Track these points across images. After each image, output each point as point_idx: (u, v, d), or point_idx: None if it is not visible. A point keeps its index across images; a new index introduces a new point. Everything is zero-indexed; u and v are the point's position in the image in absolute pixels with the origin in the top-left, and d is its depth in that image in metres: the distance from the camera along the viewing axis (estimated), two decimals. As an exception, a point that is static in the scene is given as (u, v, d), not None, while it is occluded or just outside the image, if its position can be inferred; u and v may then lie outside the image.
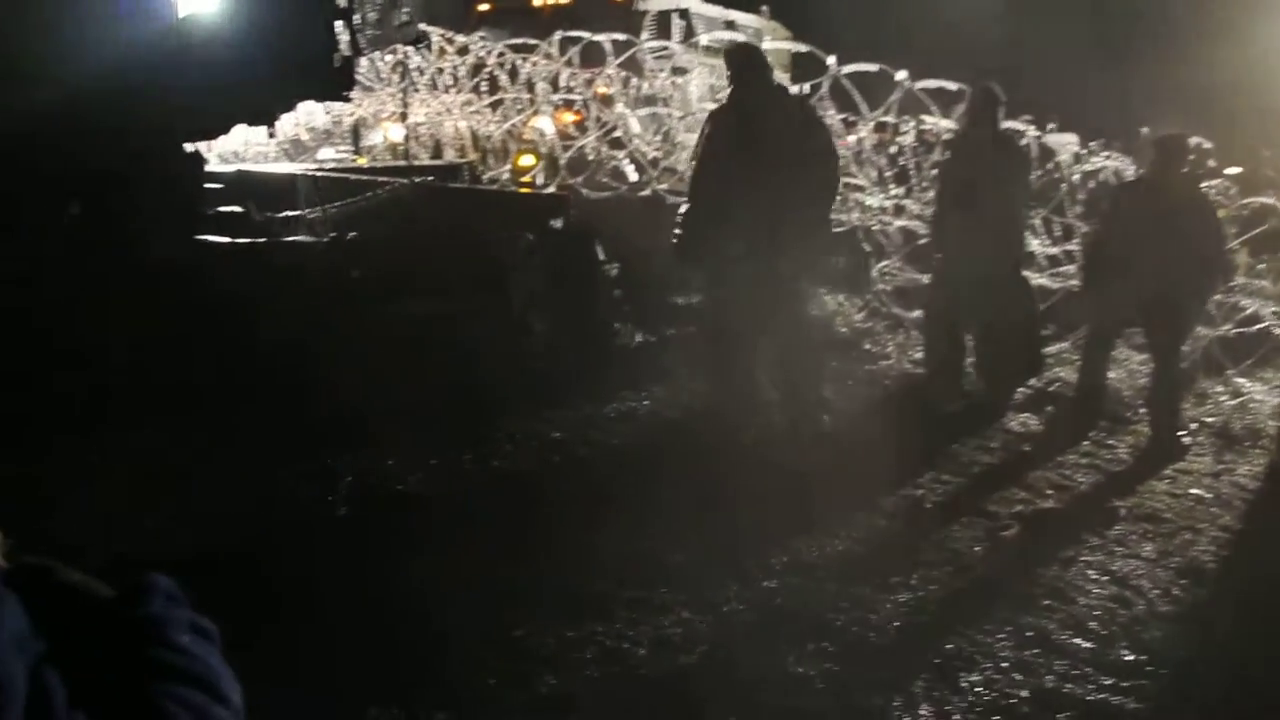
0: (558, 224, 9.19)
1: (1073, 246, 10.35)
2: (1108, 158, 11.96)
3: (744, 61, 7.03)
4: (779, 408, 7.12)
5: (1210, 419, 8.16)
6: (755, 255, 6.60)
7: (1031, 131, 10.76)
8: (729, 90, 7.07)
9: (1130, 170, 11.36)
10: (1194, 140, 8.76)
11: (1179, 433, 7.45)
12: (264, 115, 7.16)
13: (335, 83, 6.68)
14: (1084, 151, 11.74)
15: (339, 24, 6.52)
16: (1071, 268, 10.14)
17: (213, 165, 7.80)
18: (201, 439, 5.59)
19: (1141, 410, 7.99)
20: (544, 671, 4.00)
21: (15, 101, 5.70)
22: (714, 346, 7.13)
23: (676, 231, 6.94)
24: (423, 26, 10.27)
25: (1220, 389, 8.67)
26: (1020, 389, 8.27)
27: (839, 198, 10.37)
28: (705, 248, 6.87)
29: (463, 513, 5.36)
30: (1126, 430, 7.75)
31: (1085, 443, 7.38)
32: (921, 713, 3.90)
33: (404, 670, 3.90)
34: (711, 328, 7.23)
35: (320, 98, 7.26)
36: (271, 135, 7.38)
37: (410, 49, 11.98)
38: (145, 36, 6.45)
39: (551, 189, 10.74)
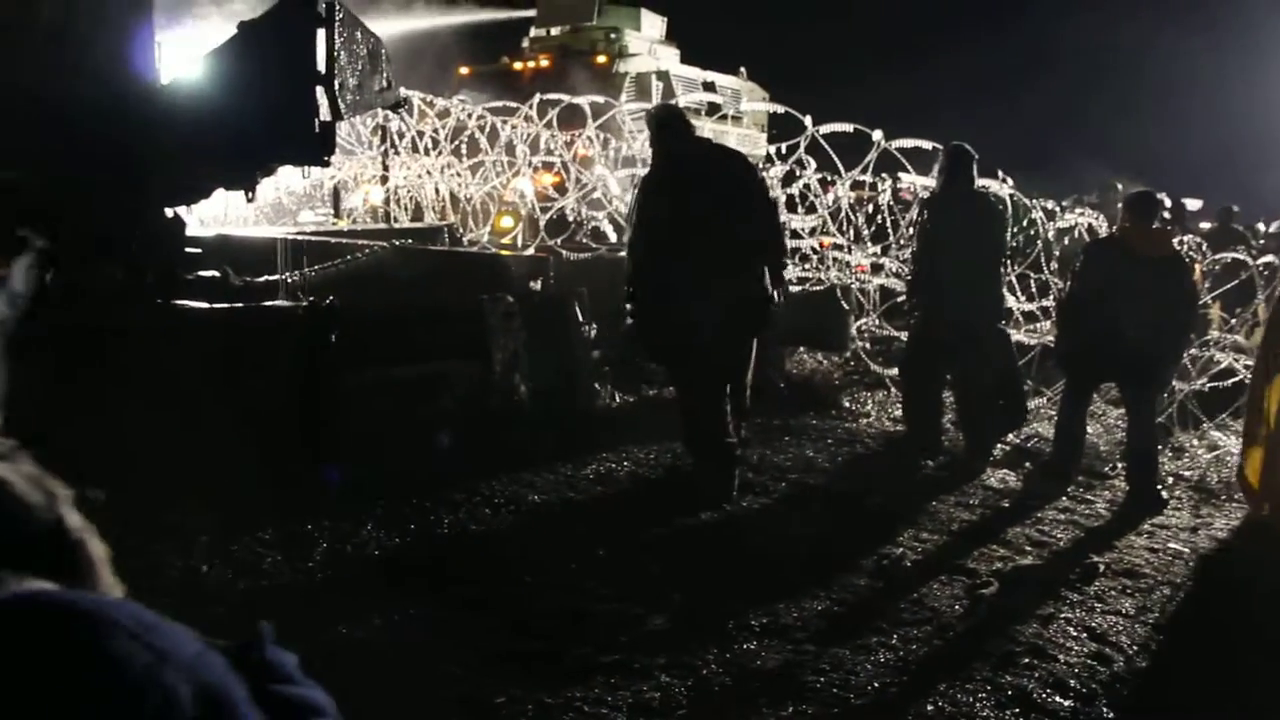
0: (538, 285, 9.25)
1: (1048, 303, 10.44)
2: (1081, 214, 12.10)
3: (665, 118, 7.15)
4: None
5: (1187, 473, 8.22)
6: (701, 310, 6.59)
7: (1006, 188, 10.89)
8: (653, 151, 7.14)
9: (1104, 226, 11.49)
10: (1163, 197, 8.85)
11: (1156, 487, 7.49)
12: (245, 180, 7.18)
13: (316, 148, 6.71)
14: (1058, 208, 11.88)
15: (319, 89, 6.56)
16: (1047, 324, 10.23)
17: (193, 229, 7.81)
18: (179, 504, 5.57)
19: (1119, 465, 8.05)
20: (523, 737, 3.98)
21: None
22: (684, 405, 7.16)
23: (628, 317, 7.00)
24: (403, 90, 10.37)
25: (1196, 443, 8.74)
26: (999, 445, 8.32)
27: (817, 256, 10.50)
28: (657, 323, 6.91)
29: (440, 576, 5.34)
30: (1104, 485, 7.79)
31: (1063, 498, 7.41)
32: (902, 774, 3.89)
33: (382, 737, 3.87)
34: (680, 390, 7.27)
35: (301, 163, 7.27)
36: (251, 199, 7.38)
37: (391, 113, 12.05)
38: (127, 99, 6.49)
39: (531, 250, 10.80)
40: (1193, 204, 13.31)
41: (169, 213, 6.96)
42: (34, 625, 0.87)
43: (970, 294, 7.89)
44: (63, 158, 6.13)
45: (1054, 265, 11.11)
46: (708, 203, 6.63)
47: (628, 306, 6.99)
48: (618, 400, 9.03)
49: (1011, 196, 10.90)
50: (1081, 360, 7.78)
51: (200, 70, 6.72)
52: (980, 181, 8.81)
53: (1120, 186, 14.47)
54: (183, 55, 7.18)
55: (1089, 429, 8.33)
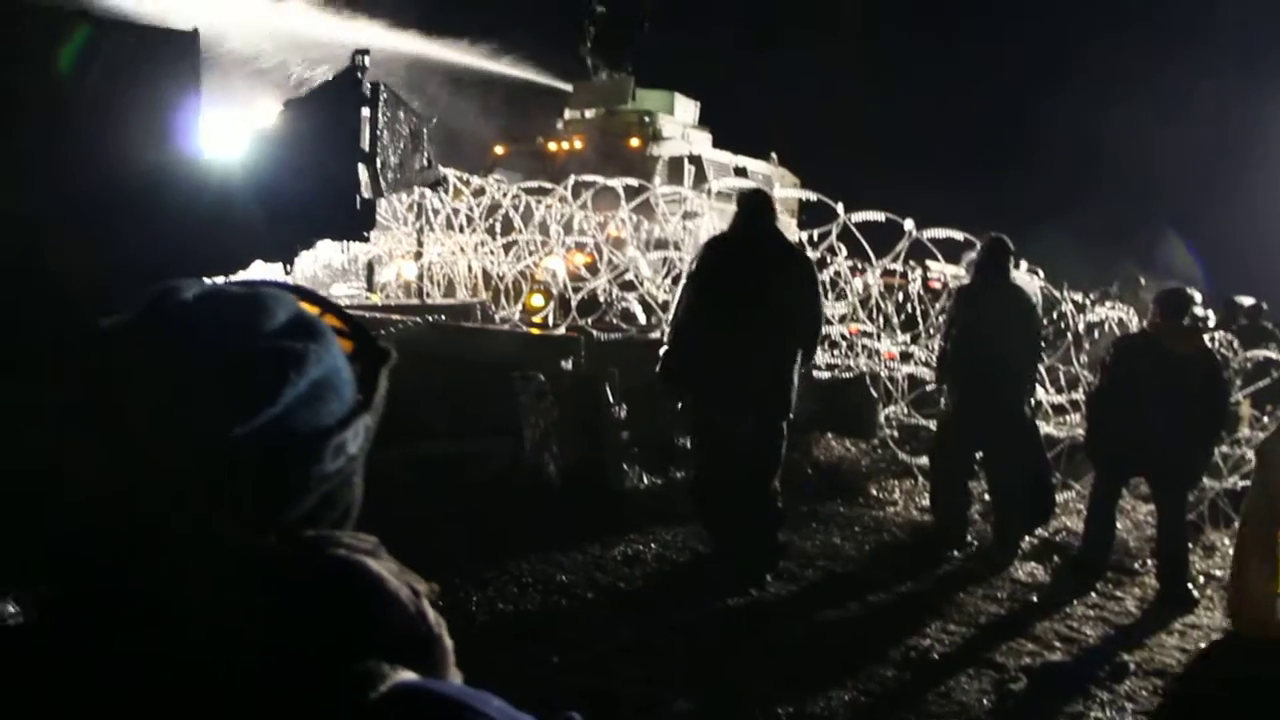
0: (568, 365, 9.28)
1: (1078, 396, 10.42)
2: (1112, 308, 12.11)
3: (756, 204, 7.27)
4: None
5: (1218, 572, 8.14)
6: (729, 393, 6.73)
7: (1037, 281, 10.92)
8: (732, 225, 7.29)
9: (1134, 321, 11.50)
10: (1194, 293, 8.86)
11: (1187, 585, 7.42)
12: (283, 253, 7.28)
13: (356, 223, 6.79)
14: (1088, 301, 11.90)
15: (362, 166, 6.66)
16: (1077, 417, 10.20)
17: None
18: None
19: (1149, 562, 7.98)
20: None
21: (17, 233, 5.82)
22: (699, 491, 7.24)
23: (662, 359, 7.10)
24: (441, 169, 10.50)
25: (1227, 541, 8.66)
26: (1027, 538, 8.27)
27: (846, 343, 10.53)
28: (684, 382, 7.04)
29: (466, 654, 5.32)
30: (1134, 582, 7.73)
31: (1093, 594, 7.35)
32: None
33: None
34: (698, 474, 7.34)
35: (340, 238, 7.36)
36: (288, 272, 7.46)
37: (429, 190, 12.20)
38: (168, 171, 6.59)
39: (562, 330, 10.85)
40: (1246, 300, 13.21)
41: (205, 282, 7.05)
42: (423, 715, 0.95)
43: (1002, 385, 7.90)
44: (103, 228, 6.23)
45: (1083, 358, 11.11)
46: (760, 282, 6.79)
47: (662, 352, 7.11)
48: (646, 481, 9.02)
49: (1042, 289, 10.93)
50: (1111, 455, 7.75)
51: (245, 145, 6.84)
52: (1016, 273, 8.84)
53: (1142, 280, 14.48)
54: (228, 129, 7.31)
55: (1119, 524, 8.27)
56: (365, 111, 6.69)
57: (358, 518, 1.14)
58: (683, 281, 7.30)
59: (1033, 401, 8.61)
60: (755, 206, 7.25)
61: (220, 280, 1.14)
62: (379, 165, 6.73)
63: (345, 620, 0.94)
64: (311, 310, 1.10)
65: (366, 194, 6.78)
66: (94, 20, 6.67)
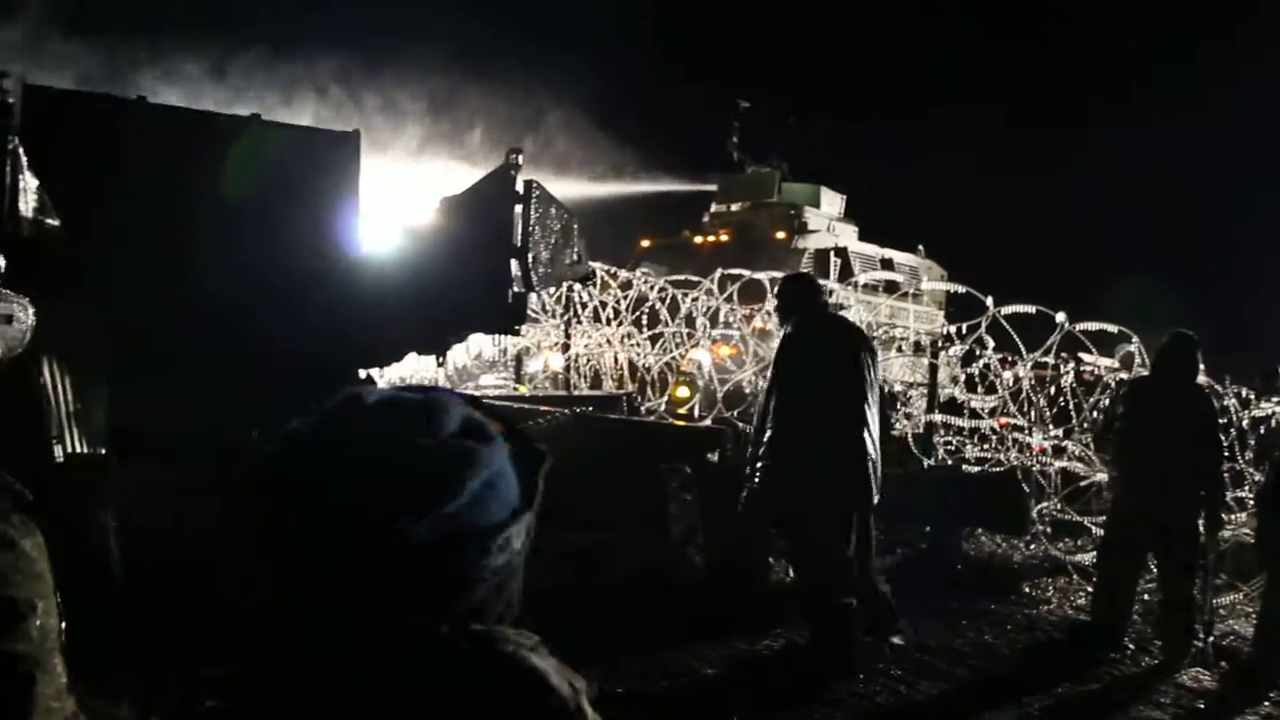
0: (714, 457, 9.28)
1: (1244, 493, 10.06)
2: (1278, 402, 11.68)
3: (805, 290, 7.53)
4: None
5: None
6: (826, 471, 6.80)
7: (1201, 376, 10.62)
8: (794, 318, 7.33)
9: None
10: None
11: (1366, 695, 7.05)
12: (437, 345, 7.48)
13: (508, 317, 6.97)
14: (1251, 395, 11.52)
15: (514, 261, 6.83)
16: (1242, 515, 9.83)
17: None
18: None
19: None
20: None
21: (193, 322, 6.08)
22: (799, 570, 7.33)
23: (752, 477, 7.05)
24: (590, 263, 10.68)
25: None
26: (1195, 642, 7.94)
27: (996, 437, 10.35)
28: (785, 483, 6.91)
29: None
30: (1311, 689, 7.36)
31: (1266, 703, 7.00)
32: None
33: None
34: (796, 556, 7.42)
35: (493, 330, 7.56)
36: (441, 364, 7.66)
37: (578, 283, 12.41)
38: (329, 268, 6.84)
39: (708, 421, 10.87)
40: None
41: (362, 374, 7.26)
42: None
43: (1182, 487, 7.65)
44: (267, 321, 6.47)
45: (1248, 455, 10.73)
46: (843, 371, 6.97)
47: (755, 466, 7.03)
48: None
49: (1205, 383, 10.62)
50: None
51: (403, 241, 7.08)
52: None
53: None
54: (386, 226, 7.56)
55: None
56: (518, 208, 6.89)
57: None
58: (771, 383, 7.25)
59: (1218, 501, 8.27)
60: (805, 292, 7.48)
61: (396, 386, 1.23)
62: (530, 260, 6.91)
63: (513, 714, 0.99)
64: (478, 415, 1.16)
65: (518, 288, 6.95)
66: (262, 123, 7.01)
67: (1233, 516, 9.93)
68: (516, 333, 7.57)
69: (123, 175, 6.23)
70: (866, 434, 6.87)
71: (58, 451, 5.54)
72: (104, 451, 5.77)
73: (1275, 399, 11.70)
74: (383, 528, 0.99)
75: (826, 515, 6.82)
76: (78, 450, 5.67)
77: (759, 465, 6.93)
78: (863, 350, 7.11)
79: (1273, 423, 11.19)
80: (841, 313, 13.32)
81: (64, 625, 1.57)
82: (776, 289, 7.80)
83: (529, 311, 12.51)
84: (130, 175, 6.27)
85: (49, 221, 5.61)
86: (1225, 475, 8.35)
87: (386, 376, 10.48)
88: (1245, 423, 11.03)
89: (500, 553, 1.09)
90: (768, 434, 6.90)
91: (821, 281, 13.37)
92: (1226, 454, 9.50)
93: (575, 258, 7.29)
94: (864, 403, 6.91)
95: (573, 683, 1.09)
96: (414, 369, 12.68)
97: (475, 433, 1.11)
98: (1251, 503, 9.14)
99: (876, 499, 7.01)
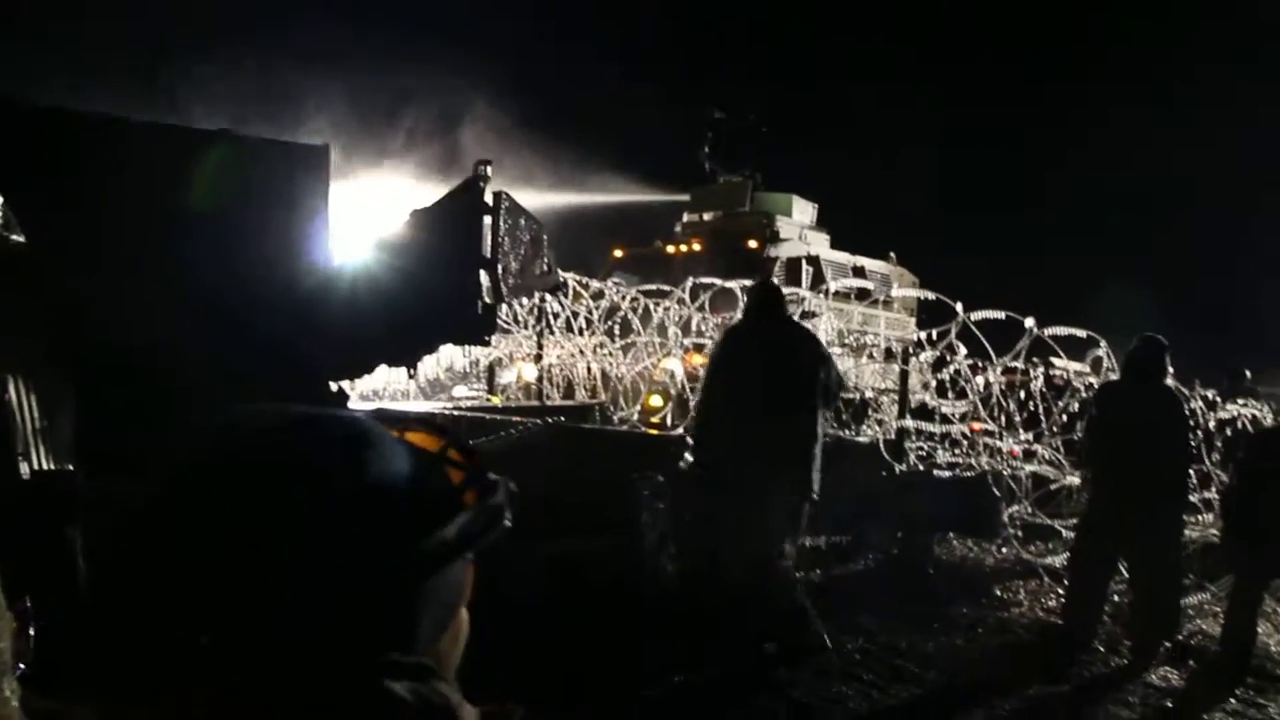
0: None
1: (1210, 495, 10.14)
2: (1244, 405, 11.79)
3: (766, 297, 7.95)
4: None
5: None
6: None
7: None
8: (745, 317, 8.07)
9: (1268, 417, 11.19)
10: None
11: (1333, 693, 7.12)
12: (408, 357, 7.47)
13: (478, 328, 6.97)
14: (1217, 398, 11.62)
15: (483, 273, 6.84)
16: (1209, 516, 9.92)
17: (353, 403, 8.10)
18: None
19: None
20: None
21: (161, 337, 6.04)
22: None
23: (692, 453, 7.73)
24: (560, 273, 10.69)
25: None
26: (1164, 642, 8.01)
27: (968, 442, 10.41)
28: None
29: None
30: (1276, 688, 7.42)
31: (1232, 700, 7.08)
32: None
33: None
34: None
35: (463, 342, 7.56)
36: (412, 376, 7.66)
37: (549, 293, 12.41)
38: (299, 281, 6.82)
39: (681, 430, 10.88)
40: None
41: (334, 387, 7.25)
42: None
43: (1153, 491, 7.71)
44: (236, 336, 6.45)
45: (1215, 457, 10.82)
46: (774, 366, 7.43)
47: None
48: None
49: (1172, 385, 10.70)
50: (1250, 557, 7.52)
51: (373, 253, 7.07)
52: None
53: (1248, 374, 14.03)
54: (356, 240, 7.55)
55: (1259, 628, 7.97)
56: (487, 219, 6.89)
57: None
58: (704, 375, 7.92)
59: (1185, 504, 8.38)
60: (763, 298, 7.91)
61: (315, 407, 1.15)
62: (500, 271, 6.91)
63: None
64: (433, 441, 1.13)
65: (488, 299, 6.96)
66: (232, 136, 7.00)
67: (1200, 518, 10.01)
68: (486, 344, 7.59)
69: (88, 190, 6.20)
70: (798, 428, 7.33)
71: (24, 468, 5.50)
72: (71, 468, 5.74)
73: (1241, 401, 11.81)
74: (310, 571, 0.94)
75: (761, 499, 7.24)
76: (44, 466, 5.64)
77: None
78: (802, 352, 7.57)
79: (1239, 424, 11.28)
80: (813, 320, 13.44)
81: (33, 645, 1.55)
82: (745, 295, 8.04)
83: (501, 322, 12.55)
84: (96, 190, 6.23)
85: (13, 238, 5.59)
86: (1193, 477, 8.43)
87: (359, 388, 10.49)
88: (1212, 425, 11.12)
89: (436, 586, 1.03)
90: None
91: (793, 290, 13.52)
92: (1194, 455, 9.59)
93: (545, 268, 7.30)
94: (796, 398, 7.37)
95: (448, 710, 1.00)
96: (386, 381, 12.68)
97: (401, 462, 1.03)
98: (1218, 504, 9.21)
99: (815, 494, 7.42)
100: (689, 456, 7.85)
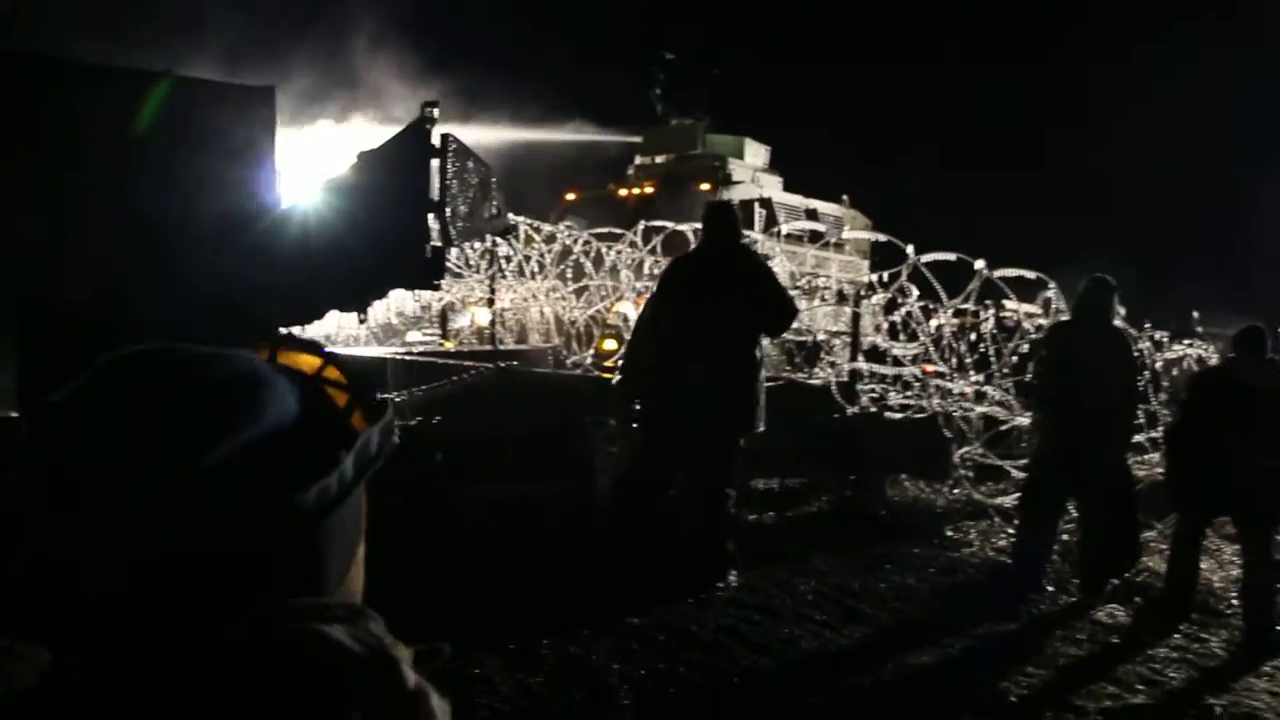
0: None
1: (1157, 434, 10.26)
2: (1190, 345, 11.91)
3: (717, 218, 7.80)
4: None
5: (1308, 613, 7.92)
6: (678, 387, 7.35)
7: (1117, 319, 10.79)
8: (700, 241, 7.93)
9: (1213, 358, 11.31)
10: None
11: (1275, 627, 7.24)
12: (358, 302, 7.39)
13: (427, 272, 6.89)
14: (1165, 338, 11.73)
15: (432, 216, 6.75)
16: (1156, 455, 10.03)
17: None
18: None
19: (1235, 602, 7.79)
20: None
21: (103, 283, 5.94)
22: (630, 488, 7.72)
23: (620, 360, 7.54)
24: (512, 217, 10.60)
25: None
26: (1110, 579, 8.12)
27: (919, 384, 10.46)
28: (639, 379, 7.70)
29: (531, 706, 5.33)
30: (1219, 624, 7.55)
31: (1176, 636, 7.19)
32: None
33: None
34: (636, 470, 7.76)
35: (412, 286, 7.49)
36: (363, 321, 7.59)
37: (499, 238, 12.32)
38: (247, 226, 6.73)
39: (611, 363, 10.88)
40: None
41: (283, 333, 7.17)
42: None
43: (1102, 429, 7.78)
44: (181, 280, 6.36)
45: (1162, 396, 10.93)
46: (716, 293, 7.41)
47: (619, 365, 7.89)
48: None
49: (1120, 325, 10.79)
50: (1193, 494, 7.61)
51: (319, 196, 6.97)
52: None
53: (1196, 314, 14.17)
54: (302, 181, 7.45)
55: (1203, 565, 8.09)
56: (435, 162, 6.80)
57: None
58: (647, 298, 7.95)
59: (1130, 440, 8.47)
60: (713, 220, 7.77)
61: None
62: (448, 215, 6.82)
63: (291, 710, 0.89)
64: (309, 361, 1.08)
65: (436, 243, 6.88)
66: (174, 77, 6.85)
67: (1146, 458, 10.13)
68: (436, 288, 7.52)
69: (27, 133, 6.06)
70: (739, 358, 7.40)
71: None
72: (14, 415, 5.66)
73: (1187, 341, 11.93)
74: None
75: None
76: (-13, 415, 5.56)
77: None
78: (746, 276, 7.52)
79: (1184, 365, 11.41)
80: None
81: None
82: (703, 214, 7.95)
83: (452, 266, 12.46)
84: (35, 133, 6.10)
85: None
86: (1139, 416, 8.51)
87: (308, 332, 10.37)
88: (1159, 365, 11.23)
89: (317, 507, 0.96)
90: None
91: (746, 233, 13.48)
92: (1142, 394, 9.68)
93: (494, 211, 7.22)
94: (737, 326, 7.41)
95: (384, 652, 0.95)
96: (337, 326, 12.58)
97: (253, 382, 0.99)
98: (1163, 442, 9.31)
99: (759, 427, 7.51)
100: (616, 390, 7.91)
